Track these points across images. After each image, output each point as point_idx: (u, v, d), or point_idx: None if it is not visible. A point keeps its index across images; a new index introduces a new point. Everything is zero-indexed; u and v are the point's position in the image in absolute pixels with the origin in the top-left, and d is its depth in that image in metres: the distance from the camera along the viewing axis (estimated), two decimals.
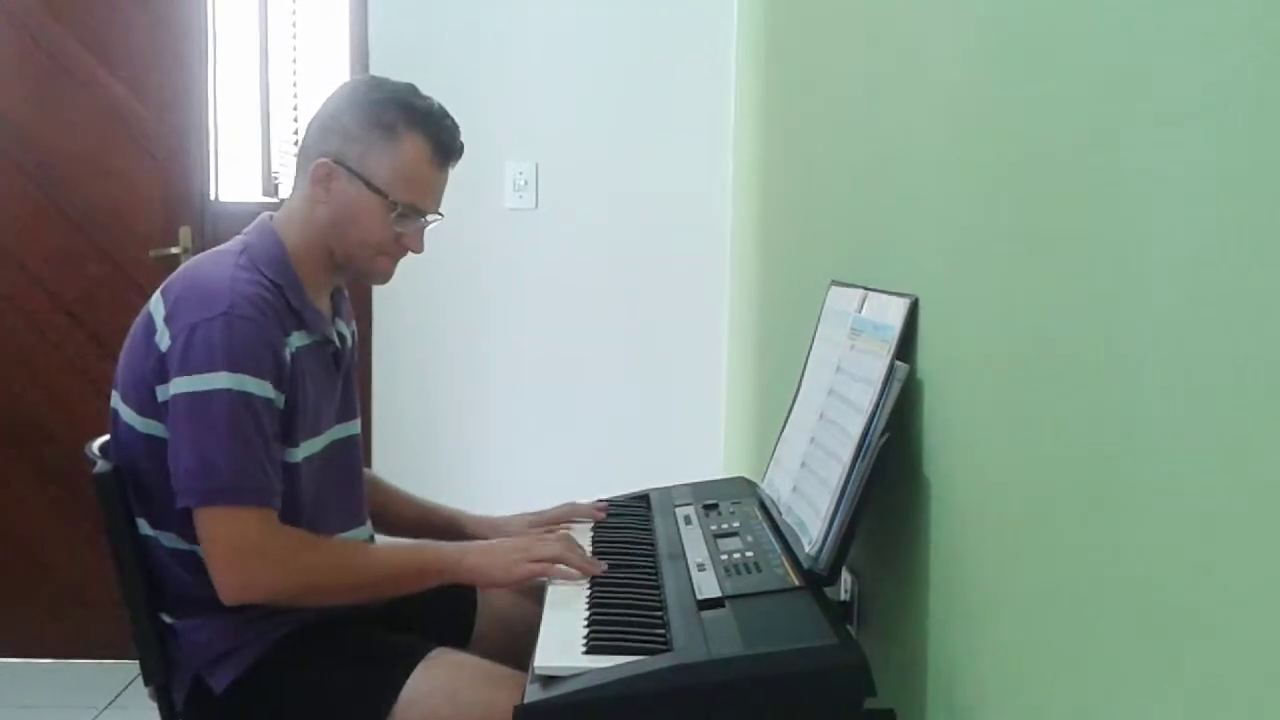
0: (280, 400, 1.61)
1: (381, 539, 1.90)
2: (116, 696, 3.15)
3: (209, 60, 3.31)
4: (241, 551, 1.56)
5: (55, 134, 3.31)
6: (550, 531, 1.83)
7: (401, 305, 3.27)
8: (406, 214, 1.69)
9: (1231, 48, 0.66)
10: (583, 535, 1.77)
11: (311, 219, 1.70)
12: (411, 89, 1.72)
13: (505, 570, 1.62)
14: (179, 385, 1.56)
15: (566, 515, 1.89)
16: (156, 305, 1.64)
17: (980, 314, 1.11)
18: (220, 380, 1.55)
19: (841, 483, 1.33)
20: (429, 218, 1.74)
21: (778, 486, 1.63)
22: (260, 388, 1.57)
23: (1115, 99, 0.82)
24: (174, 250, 3.29)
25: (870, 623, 1.51)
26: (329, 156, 1.67)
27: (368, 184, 1.67)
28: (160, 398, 1.59)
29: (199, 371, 1.55)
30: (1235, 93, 0.65)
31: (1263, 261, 0.62)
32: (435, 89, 1.76)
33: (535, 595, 1.59)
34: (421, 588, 1.66)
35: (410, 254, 1.75)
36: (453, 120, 1.73)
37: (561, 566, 1.58)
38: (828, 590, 1.36)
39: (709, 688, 1.18)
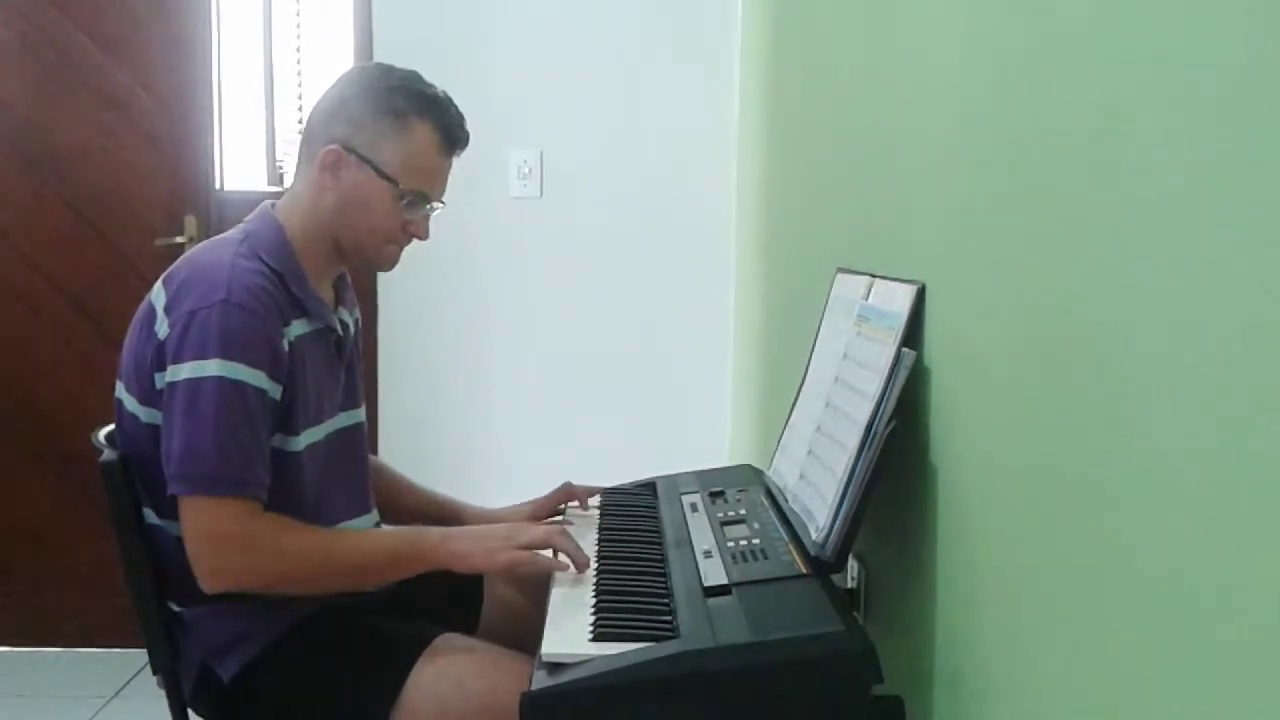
0: (276, 392, 1.60)
1: (384, 527, 1.90)
2: (124, 685, 3.16)
3: (213, 49, 3.30)
4: (217, 540, 1.56)
5: (59, 123, 3.31)
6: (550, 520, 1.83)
7: (406, 293, 3.27)
8: (414, 201, 1.70)
9: (1237, 33, 0.66)
10: (589, 524, 1.77)
11: (317, 206, 1.70)
12: (418, 76, 1.73)
13: (487, 556, 1.60)
14: (175, 373, 1.57)
15: (564, 497, 1.89)
16: (158, 294, 1.64)
17: (987, 301, 1.11)
18: (212, 368, 1.55)
19: (848, 470, 1.33)
20: (433, 205, 1.74)
21: (784, 474, 1.63)
22: (253, 377, 1.57)
23: (1122, 83, 0.81)
24: (179, 239, 3.29)
25: (877, 610, 1.51)
26: (338, 143, 1.67)
27: (377, 171, 1.67)
28: (159, 385, 1.60)
29: (193, 358, 1.55)
30: (1241, 78, 0.65)
31: (1268, 247, 0.61)
32: (439, 77, 1.76)
33: (541, 582, 1.59)
34: (407, 573, 1.64)
35: (415, 241, 1.75)
36: (458, 109, 1.73)
37: (545, 556, 1.56)
38: (834, 577, 1.36)
39: (716, 675, 1.18)
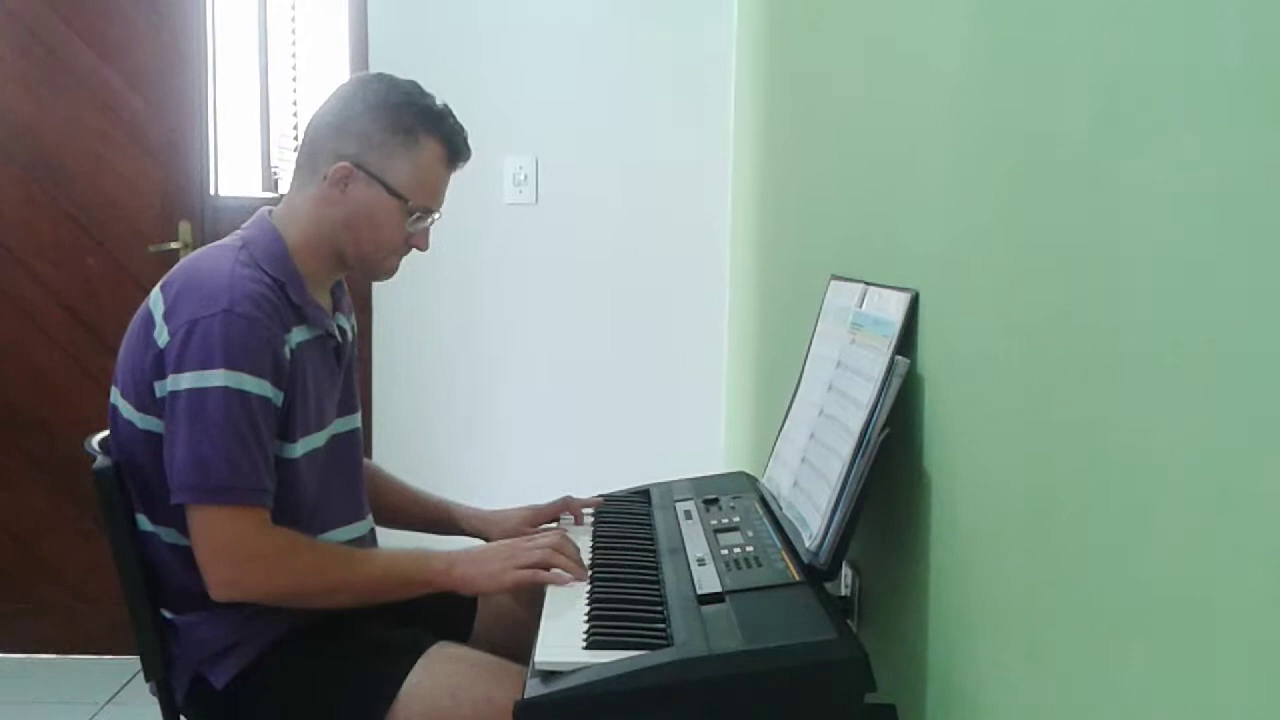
0: (279, 399, 1.60)
1: (379, 530, 1.90)
2: (117, 692, 3.15)
3: (208, 54, 3.30)
4: (231, 551, 1.57)
5: (54, 129, 3.30)
6: (546, 528, 1.83)
7: (402, 301, 3.27)
8: (421, 215, 1.71)
9: (1232, 43, 0.66)
10: (583, 532, 1.77)
11: (322, 218, 1.70)
12: (419, 88, 1.73)
13: (492, 579, 1.61)
14: (176, 382, 1.56)
15: (563, 508, 1.89)
16: (156, 301, 1.64)
17: (981, 308, 1.11)
18: (217, 378, 1.55)
19: (842, 478, 1.33)
20: (434, 216, 1.75)
21: (778, 481, 1.63)
22: (258, 386, 1.57)
23: (1116, 93, 0.82)
24: (173, 245, 3.29)
25: (870, 617, 1.51)
26: (348, 159, 1.67)
27: (388, 189, 1.68)
28: (158, 394, 1.59)
29: (197, 368, 1.55)
30: (1236, 88, 0.65)
31: (1263, 256, 0.62)
32: (435, 84, 1.76)
33: (535, 590, 1.59)
34: (410, 596, 1.65)
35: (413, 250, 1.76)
36: (458, 120, 1.74)
37: (549, 574, 1.56)
38: (828, 585, 1.36)
39: (709, 683, 1.18)
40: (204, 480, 1.55)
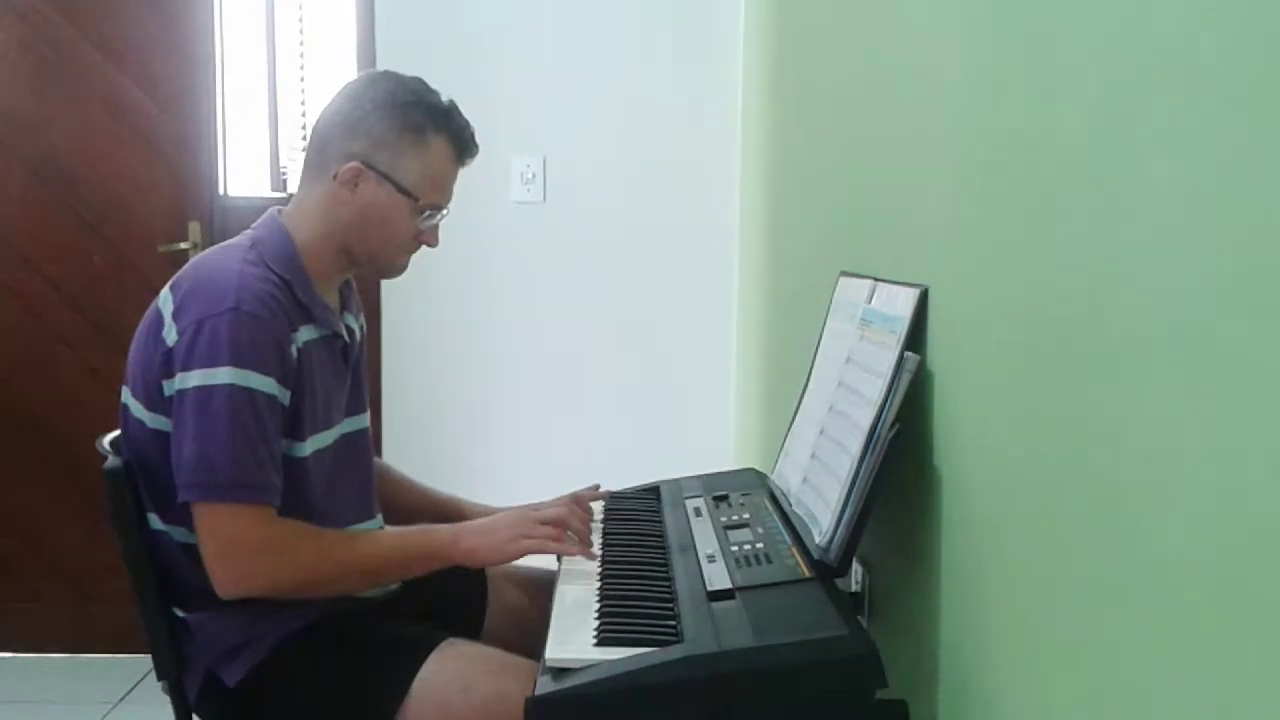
0: (285, 397, 1.61)
1: (388, 528, 1.90)
2: (129, 691, 3.16)
3: (217, 55, 3.31)
4: (236, 548, 1.57)
5: (63, 130, 3.31)
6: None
7: (410, 299, 3.27)
8: (431, 213, 1.72)
9: (1237, 39, 0.66)
10: (593, 528, 1.77)
11: (331, 218, 1.70)
12: (425, 85, 1.73)
13: (499, 549, 1.63)
14: (184, 380, 1.57)
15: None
16: (165, 300, 1.65)
17: (990, 304, 1.11)
18: (224, 375, 1.55)
19: (851, 474, 1.33)
20: (443, 212, 1.76)
21: (787, 478, 1.63)
22: (264, 384, 1.57)
23: (1124, 88, 0.81)
24: (183, 245, 3.30)
25: (881, 614, 1.51)
26: (358, 159, 1.67)
27: (398, 187, 1.68)
28: (167, 392, 1.60)
29: (204, 366, 1.56)
30: (1242, 83, 0.65)
31: (1270, 252, 0.62)
32: (443, 82, 1.77)
33: (545, 586, 1.60)
34: (419, 573, 1.68)
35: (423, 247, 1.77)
36: (464, 115, 1.74)
37: (557, 544, 1.60)
38: (838, 581, 1.36)
39: (720, 679, 1.18)
40: (209, 478, 1.56)
